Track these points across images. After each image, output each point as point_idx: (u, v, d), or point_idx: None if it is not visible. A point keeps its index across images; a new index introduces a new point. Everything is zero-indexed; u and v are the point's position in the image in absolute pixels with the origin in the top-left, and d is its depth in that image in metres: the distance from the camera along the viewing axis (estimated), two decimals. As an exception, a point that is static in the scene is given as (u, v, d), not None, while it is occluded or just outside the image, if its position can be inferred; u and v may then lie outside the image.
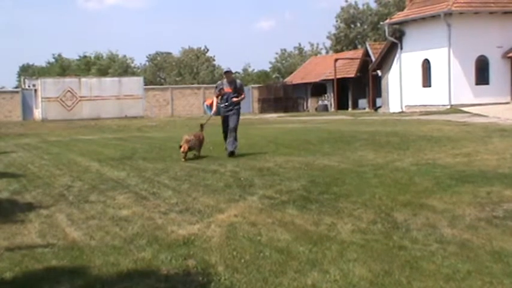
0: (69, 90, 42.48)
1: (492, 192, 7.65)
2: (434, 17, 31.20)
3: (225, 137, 13.09)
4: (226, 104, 12.97)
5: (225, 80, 13.27)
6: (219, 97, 13.13)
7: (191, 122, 31.65)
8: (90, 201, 8.23)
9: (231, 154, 12.59)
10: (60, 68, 75.20)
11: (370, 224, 6.33)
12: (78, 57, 78.37)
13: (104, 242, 6.03)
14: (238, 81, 13.73)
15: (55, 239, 6.18)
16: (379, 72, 38.19)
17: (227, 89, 13.05)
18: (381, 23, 42.70)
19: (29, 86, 46.51)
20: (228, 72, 13.46)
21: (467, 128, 18.19)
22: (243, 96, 13.21)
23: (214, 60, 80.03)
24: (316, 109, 46.72)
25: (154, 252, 5.56)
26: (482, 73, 31.31)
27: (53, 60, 79.72)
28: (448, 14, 30.40)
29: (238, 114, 13.14)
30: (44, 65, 79.90)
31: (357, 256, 5.22)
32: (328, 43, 70.64)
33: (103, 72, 67.45)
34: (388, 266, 4.92)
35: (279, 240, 5.84)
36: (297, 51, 77.46)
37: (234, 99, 12.95)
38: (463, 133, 16.29)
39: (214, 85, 14.43)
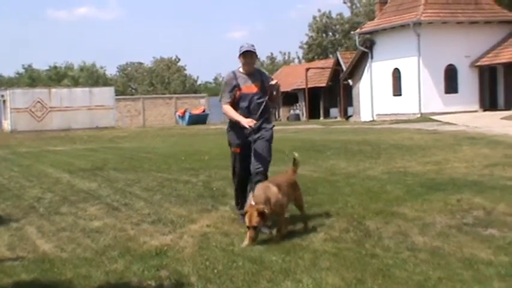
0: (38, 101, 42.02)
1: (462, 199, 7.74)
2: (403, 26, 31.62)
3: (241, 187, 7.13)
4: (251, 126, 6.75)
5: (240, 70, 7.02)
6: (235, 103, 6.98)
7: (163, 132, 31.49)
8: (61, 213, 8.13)
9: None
10: (30, 78, 74.46)
11: (343, 233, 6.35)
12: (48, 68, 77.77)
13: (75, 254, 5.96)
14: (265, 72, 7.34)
15: (25, 252, 6.09)
16: (350, 82, 38.52)
17: (247, 87, 6.95)
18: (352, 32, 43.09)
19: (-3, 97, 45.93)
20: (247, 53, 6.88)
21: (437, 136, 18.41)
22: (276, 94, 7.09)
23: (185, 69, 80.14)
24: (287, 118, 46.86)
25: (127, 263, 5.51)
26: (451, 82, 31.79)
27: (23, 70, 78.97)
28: (417, 24, 30.84)
29: (271, 138, 7.20)
30: (12, 75, 79.12)
31: (330, 265, 5.23)
32: (301, 52, 71.34)
33: (75, 83, 66.91)
34: (361, 274, 4.94)
35: (251, 250, 5.83)
36: (269, 61, 77.89)
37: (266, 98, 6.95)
38: (433, 141, 16.48)
39: (224, 82, 7.36)
